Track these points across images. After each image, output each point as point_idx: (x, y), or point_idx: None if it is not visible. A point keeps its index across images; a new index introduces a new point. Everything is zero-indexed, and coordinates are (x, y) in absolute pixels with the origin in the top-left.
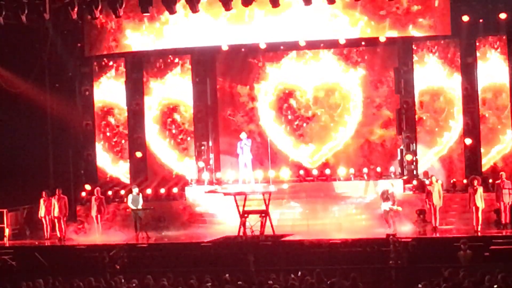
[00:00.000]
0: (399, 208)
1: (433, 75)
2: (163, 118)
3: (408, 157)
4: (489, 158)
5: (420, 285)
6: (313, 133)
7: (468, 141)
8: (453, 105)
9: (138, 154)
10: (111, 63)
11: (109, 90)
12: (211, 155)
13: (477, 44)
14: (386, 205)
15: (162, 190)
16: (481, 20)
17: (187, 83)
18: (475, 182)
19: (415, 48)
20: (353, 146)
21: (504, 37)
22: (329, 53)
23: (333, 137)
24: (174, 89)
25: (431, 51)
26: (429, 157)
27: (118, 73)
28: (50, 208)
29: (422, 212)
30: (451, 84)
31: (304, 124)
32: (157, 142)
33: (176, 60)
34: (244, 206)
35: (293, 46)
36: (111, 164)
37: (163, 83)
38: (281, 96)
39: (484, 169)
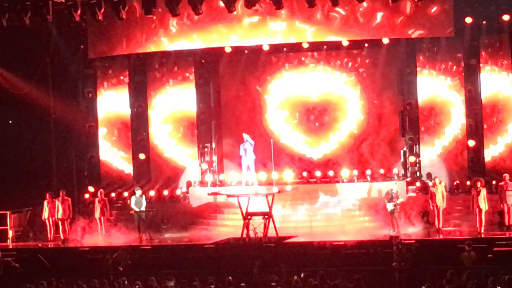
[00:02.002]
0: (402, 199)
1: (436, 77)
2: (166, 120)
3: (412, 158)
4: (492, 156)
5: (423, 287)
6: (316, 136)
7: (471, 142)
8: (456, 107)
9: (142, 156)
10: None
11: (112, 93)
12: (214, 157)
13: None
14: (390, 205)
15: (165, 192)
16: (484, 22)
17: (190, 85)
18: (479, 184)
19: (418, 49)
20: (356, 147)
21: (507, 39)
22: (332, 54)
23: (335, 139)
24: (177, 91)
25: (434, 53)
26: (433, 159)
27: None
28: (53, 210)
29: (425, 214)
30: (454, 85)
31: (307, 127)
32: (160, 144)
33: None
34: (247, 207)
35: (296, 48)
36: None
37: (166, 85)
38: (284, 97)
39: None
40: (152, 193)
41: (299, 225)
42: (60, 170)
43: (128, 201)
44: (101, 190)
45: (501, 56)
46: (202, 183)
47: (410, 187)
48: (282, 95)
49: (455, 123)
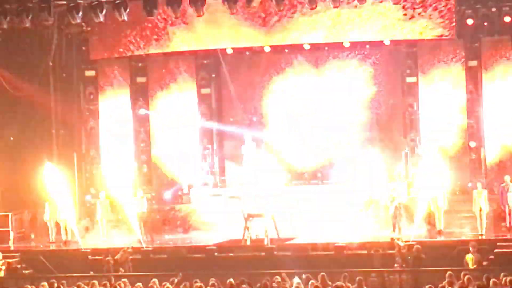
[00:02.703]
0: (403, 201)
1: (437, 78)
2: (167, 121)
3: (413, 160)
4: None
5: None
6: (317, 136)
7: (473, 144)
8: (457, 108)
9: (143, 158)
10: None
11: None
12: (216, 159)
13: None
14: (392, 207)
15: (167, 193)
16: (485, 24)
17: (191, 86)
18: (480, 185)
19: (419, 51)
20: (358, 149)
21: (508, 40)
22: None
23: (337, 138)
24: (179, 91)
25: (436, 54)
26: (434, 160)
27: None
28: (55, 212)
29: (427, 216)
30: (456, 87)
31: (309, 127)
32: (162, 146)
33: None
34: (248, 209)
35: (298, 50)
36: None
37: (167, 86)
38: (286, 99)
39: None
40: (153, 194)
41: (301, 227)
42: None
43: (130, 202)
44: (103, 191)
45: (502, 58)
46: (204, 185)
47: (411, 189)
48: (283, 97)
49: (456, 124)
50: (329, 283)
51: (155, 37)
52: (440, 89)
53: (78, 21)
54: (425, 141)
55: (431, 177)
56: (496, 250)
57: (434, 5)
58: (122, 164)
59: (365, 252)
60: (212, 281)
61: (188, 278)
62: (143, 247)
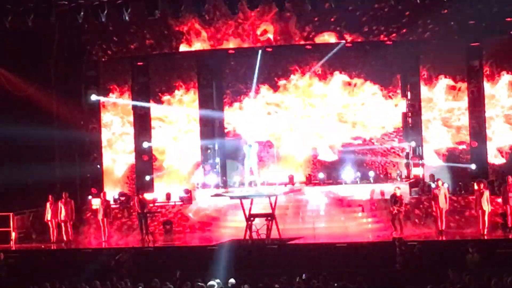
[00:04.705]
0: (406, 201)
1: (439, 77)
2: (168, 121)
3: (415, 160)
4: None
5: None
6: (318, 136)
7: (475, 144)
8: (459, 108)
9: (144, 158)
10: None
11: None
12: (217, 159)
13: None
14: (394, 208)
15: (168, 194)
16: (487, 24)
17: (193, 86)
18: (482, 186)
19: (421, 51)
20: (359, 149)
21: (510, 40)
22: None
23: (338, 139)
24: (179, 92)
25: (437, 54)
26: (436, 160)
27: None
28: (56, 212)
29: (428, 216)
30: (456, 87)
31: (309, 127)
32: (163, 146)
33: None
34: (250, 209)
35: (299, 50)
36: None
37: (169, 86)
38: (287, 99)
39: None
40: (154, 194)
41: (302, 227)
42: (63, 171)
43: (131, 202)
44: (104, 191)
45: (504, 58)
46: (205, 185)
47: (413, 189)
48: (284, 98)
49: (458, 124)
50: (331, 283)
51: (156, 37)
52: (442, 89)
53: (80, 21)
54: (426, 141)
55: (432, 177)
56: (497, 250)
57: (436, 5)
58: (123, 164)
59: (367, 252)
60: (213, 281)
61: (189, 278)
62: (144, 247)
